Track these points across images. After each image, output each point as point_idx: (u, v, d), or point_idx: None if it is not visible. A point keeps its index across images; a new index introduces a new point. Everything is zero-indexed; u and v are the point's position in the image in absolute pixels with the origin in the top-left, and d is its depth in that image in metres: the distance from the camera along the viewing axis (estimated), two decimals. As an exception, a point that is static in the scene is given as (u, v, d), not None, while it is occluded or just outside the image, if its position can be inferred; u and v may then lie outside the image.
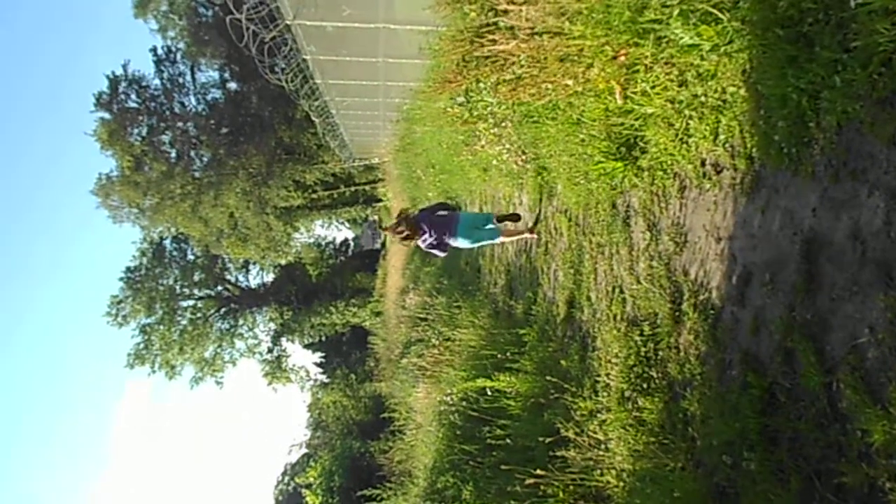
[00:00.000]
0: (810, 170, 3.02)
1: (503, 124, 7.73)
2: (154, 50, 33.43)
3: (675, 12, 3.63)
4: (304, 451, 36.85)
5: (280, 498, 36.64)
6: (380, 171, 34.64)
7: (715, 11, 3.39)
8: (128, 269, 37.20)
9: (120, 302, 36.27)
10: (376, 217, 43.79)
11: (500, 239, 8.15)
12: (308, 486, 26.12)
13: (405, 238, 7.56)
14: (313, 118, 22.33)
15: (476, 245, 8.55)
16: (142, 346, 36.48)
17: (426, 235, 7.59)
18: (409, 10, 11.07)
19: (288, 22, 11.90)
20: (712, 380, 3.81)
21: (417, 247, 7.92)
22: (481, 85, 7.32)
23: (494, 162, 8.82)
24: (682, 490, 3.82)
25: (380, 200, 39.05)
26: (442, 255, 7.97)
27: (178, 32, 33.59)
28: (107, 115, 31.72)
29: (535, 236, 7.89)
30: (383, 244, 42.06)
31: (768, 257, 3.37)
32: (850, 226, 2.78)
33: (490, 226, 8.01)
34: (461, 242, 7.78)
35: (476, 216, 8.46)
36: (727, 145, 3.71)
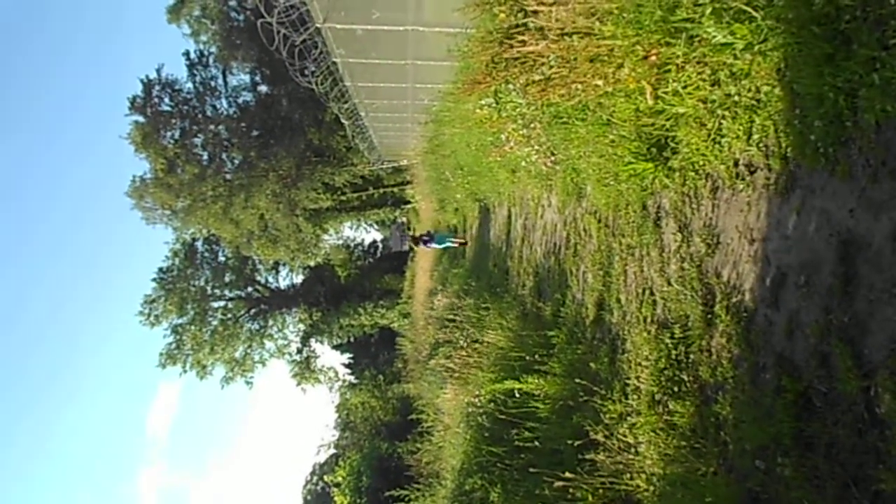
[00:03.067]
0: (847, 170, 2.96)
1: (532, 125, 7.70)
2: (187, 54, 34.04)
3: (708, 11, 3.59)
4: (333, 451, 37.17)
5: (309, 497, 37.02)
6: (408, 173, 34.73)
7: (749, 9, 3.34)
8: (160, 269, 37.92)
9: (153, 302, 36.99)
10: (405, 219, 43.92)
11: (455, 242, 19.55)
12: (337, 485, 26.34)
13: (416, 243, 20.90)
14: (342, 121, 22.53)
15: (443, 246, 20.19)
16: (173, 346, 37.15)
17: (426, 242, 19.61)
18: (437, 12, 11.12)
19: (318, 25, 12.02)
20: (745, 383, 3.75)
21: (428, 248, 21.04)
22: (510, 86, 7.29)
23: (523, 163, 8.81)
24: (714, 495, 3.77)
25: (408, 202, 39.15)
26: (430, 249, 21.19)
27: (210, 36, 34.09)
28: (141, 119, 32.36)
29: (466, 242, 19.08)
30: (411, 247, 42.17)
31: (803, 259, 3.31)
32: (890, 227, 2.72)
33: (451, 238, 19.63)
34: (437, 245, 19.89)
35: (444, 235, 20.26)
36: (761, 145, 3.65)
